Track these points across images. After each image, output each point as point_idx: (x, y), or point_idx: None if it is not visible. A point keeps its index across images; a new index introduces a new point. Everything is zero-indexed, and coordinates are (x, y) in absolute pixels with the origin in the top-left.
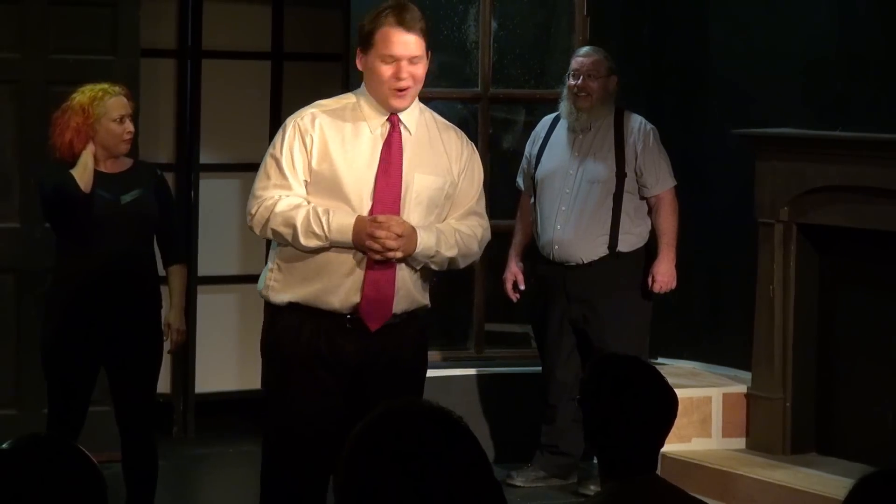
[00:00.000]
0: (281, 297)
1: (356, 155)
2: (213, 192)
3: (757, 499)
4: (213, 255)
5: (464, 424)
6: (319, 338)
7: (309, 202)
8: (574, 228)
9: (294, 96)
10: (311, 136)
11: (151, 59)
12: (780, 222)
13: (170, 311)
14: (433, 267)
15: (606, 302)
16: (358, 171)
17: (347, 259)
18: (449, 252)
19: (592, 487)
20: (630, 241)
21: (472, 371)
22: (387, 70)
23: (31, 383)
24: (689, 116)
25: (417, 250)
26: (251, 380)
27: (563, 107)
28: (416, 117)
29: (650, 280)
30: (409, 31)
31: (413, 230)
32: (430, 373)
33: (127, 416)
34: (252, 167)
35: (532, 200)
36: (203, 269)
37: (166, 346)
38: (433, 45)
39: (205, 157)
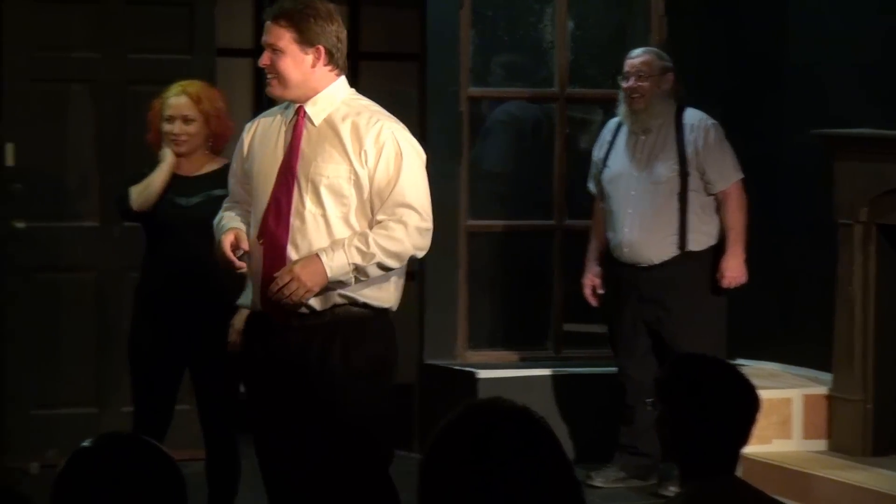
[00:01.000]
0: (239, 302)
1: (266, 149)
2: None
3: (837, 501)
4: None
5: (545, 424)
6: (254, 338)
7: (233, 208)
8: (642, 230)
9: (370, 96)
10: (244, 140)
11: (228, 58)
12: (860, 223)
13: (238, 314)
14: (365, 278)
15: (678, 302)
16: (265, 164)
17: (256, 259)
18: (370, 260)
19: (672, 489)
20: (700, 239)
21: (551, 371)
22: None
23: (110, 381)
24: (765, 115)
25: (330, 275)
26: None
27: (621, 110)
28: (327, 110)
29: (719, 276)
30: (272, 23)
31: (306, 266)
32: (509, 372)
33: (209, 415)
34: None
35: (602, 204)
36: None
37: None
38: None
39: None
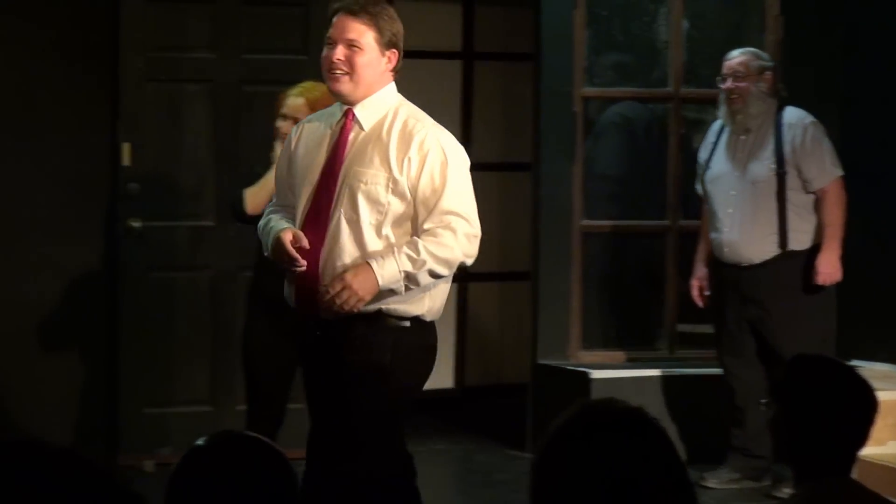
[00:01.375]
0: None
1: (310, 152)
2: None
3: None
4: None
5: (658, 425)
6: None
7: (279, 212)
8: (741, 230)
9: (485, 96)
10: (292, 141)
11: None
12: None
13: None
14: (416, 286)
15: (779, 302)
16: (308, 167)
17: None
18: (420, 267)
19: (786, 490)
20: (801, 238)
21: (664, 372)
22: (326, 53)
23: (225, 380)
24: (884, 114)
25: (382, 283)
26: (443, 379)
27: (721, 111)
28: (377, 115)
29: (813, 273)
30: (352, 16)
31: (358, 274)
32: (622, 373)
33: None
34: None
35: (706, 205)
36: None
37: None
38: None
39: None
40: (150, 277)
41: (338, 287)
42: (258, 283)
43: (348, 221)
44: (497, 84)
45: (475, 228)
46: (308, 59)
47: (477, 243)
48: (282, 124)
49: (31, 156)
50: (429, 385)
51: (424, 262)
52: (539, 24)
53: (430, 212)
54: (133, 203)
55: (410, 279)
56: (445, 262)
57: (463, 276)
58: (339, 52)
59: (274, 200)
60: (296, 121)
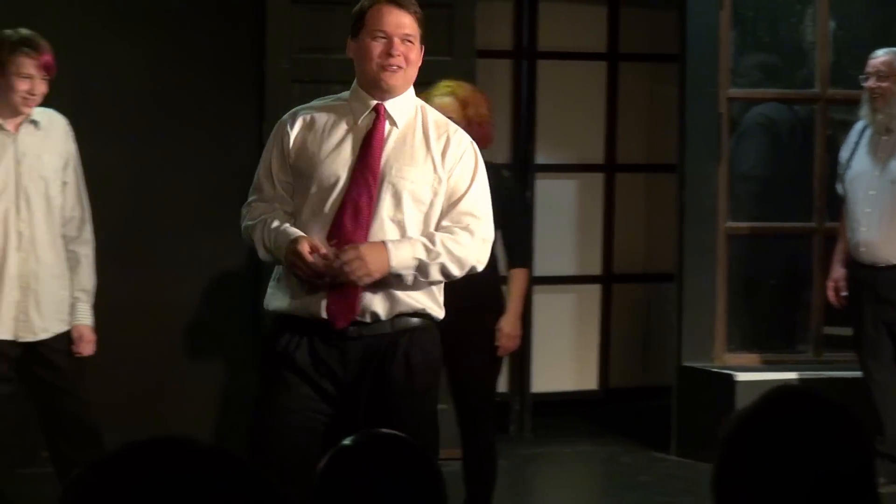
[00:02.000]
0: (273, 306)
1: (331, 146)
2: (549, 192)
3: None
4: (550, 255)
5: (853, 414)
6: (300, 347)
7: (275, 211)
8: (878, 229)
9: (630, 97)
10: (289, 134)
11: (487, 59)
12: None
13: (505, 316)
14: (425, 278)
15: None
16: (331, 163)
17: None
18: (434, 258)
19: None
20: None
21: (810, 375)
22: (377, 46)
23: None
24: None
25: (394, 264)
26: (587, 380)
27: (863, 111)
28: (408, 112)
29: None
30: (403, 10)
31: (372, 249)
32: (767, 375)
33: (467, 415)
34: (589, 168)
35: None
36: (540, 270)
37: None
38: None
39: (540, 158)
40: None
41: (351, 255)
42: None
43: (393, 221)
44: (642, 85)
45: (491, 235)
46: (452, 61)
47: (489, 249)
48: None
49: (180, 157)
50: (573, 387)
51: (439, 255)
52: (684, 25)
53: (450, 210)
54: None
55: (422, 269)
56: (458, 261)
57: (608, 277)
58: (399, 47)
59: (257, 197)
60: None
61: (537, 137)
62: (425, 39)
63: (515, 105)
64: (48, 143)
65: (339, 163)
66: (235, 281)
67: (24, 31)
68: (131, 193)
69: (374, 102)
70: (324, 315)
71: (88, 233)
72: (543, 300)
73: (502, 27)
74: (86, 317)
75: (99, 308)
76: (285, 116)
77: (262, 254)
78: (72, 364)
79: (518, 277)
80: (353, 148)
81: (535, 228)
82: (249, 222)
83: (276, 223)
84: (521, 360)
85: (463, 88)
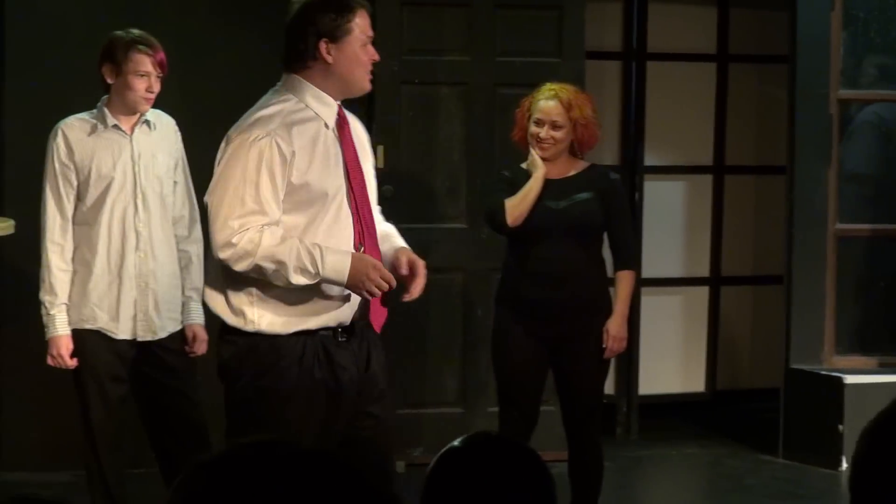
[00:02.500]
0: (277, 324)
1: (325, 156)
2: (657, 194)
3: None
4: (658, 256)
5: None
6: (318, 358)
7: (293, 235)
8: None
9: (739, 98)
10: (283, 153)
11: (596, 60)
12: None
13: (612, 318)
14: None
15: None
16: (332, 171)
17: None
18: None
19: None
20: None
21: None
22: (366, 51)
23: (476, 381)
24: None
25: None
26: (695, 382)
27: None
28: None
29: None
30: (365, 10)
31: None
32: (877, 378)
33: (574, 417)
34: (697, 169)
35: None
36: (647, 272)
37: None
38: None
39: (649, 159)
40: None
41: (423, 266)
42: (511, 285)
43: (375, 216)
44: (751, 86)
45: None
46: (561, 62)
47: None
48: (537, 130)
49: None
50: (680, 389)
51: None
52: (794, 26)
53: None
54: (387, 205)
55: None
56: None
57: (716, 279)
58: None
59: (265, 220)
60: (552, 125)
61: (646, 139)
62: (535, 41)
63: (624, 106)
64: (161, 143)
65: (337, 171)
66: None
67: (136, 31)
68: None
69: (337, 103)
70: (348, 321)
71: (198, 232)
72: (651, 302)
73: (612, 28)
74: (198, 316)
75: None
76: (262, 136)
77: (293, 277)
78: (184, 364)
79: (625, 279)
80: (337, 152)
81: (643, 230)
82: (266, 243)
83: (311, 244)
84: (629, 362)
85: (566, 91)
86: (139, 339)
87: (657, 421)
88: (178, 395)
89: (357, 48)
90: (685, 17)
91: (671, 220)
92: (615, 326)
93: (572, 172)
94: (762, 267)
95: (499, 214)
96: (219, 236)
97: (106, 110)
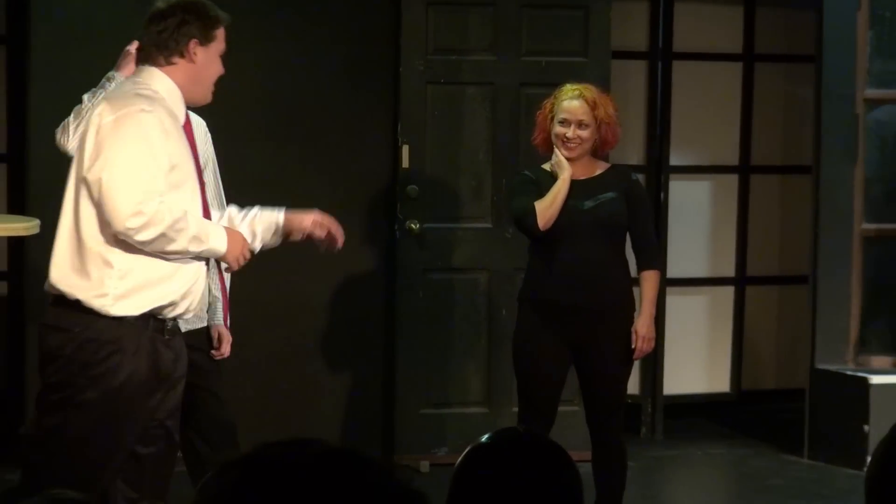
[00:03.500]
0: (127, 306)
1: (185, 147)
2: (683, 194)
3: None
4: (683, 256)
5: None
6: (159, 350)
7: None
8: None
9: (765, 98)
10: (164, 133)
11: (622, 60)
12: None
13: (638, 318)
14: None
15: None
16: (188, 157)
17: (198, 264)
18: None
19: None
20: None
21: None
22: (219, 65)
23: (500, 381)
24: None
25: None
26: (720, 382)
27: None
28: None
29: None
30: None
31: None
32: (893, 378)
33: (597, 417)
34: (723, 169)
35: None
36: (673, 271)
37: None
38: None
39: (675, 159)
40: (427, 279)
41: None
42: (536, 285)
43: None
44: (777, 86)
45: None
46: (587, 62)
47: None
48: (563, 130)
49: (315, 157)
50: (705, 389)
51: None
52: (821, 26)
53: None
54: (412, 205)
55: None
56: None
57: (741, 279)
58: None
59: (161, 196)
60: (579, 124)
61: (672, 139)
62: (561, 41)
63: (650, 106)
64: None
65: (191, 163)
66: (368, 282)
67: None
68: (266, 195)
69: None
70: (188, 314)
71: None
72: (676, 302)
73: (638, 28)
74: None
75: (233, 308)
76: (148, 109)
77: (192, 245)
78: (210, 362)
79: (650, 279)
80: (188, 146)
81: (668, 230)
82: (175, 214)
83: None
84: (654, 362)
85: (590, 90)
86: None
87: (682, 421)
88: (204, 393)
89: (216, 57)
90: (711, 17)
91: (697, 220)
92: (644, 327)
93: (597, 172)
94: (787, 267)
95: (530, 218)
96: (125, 207)
97: None
